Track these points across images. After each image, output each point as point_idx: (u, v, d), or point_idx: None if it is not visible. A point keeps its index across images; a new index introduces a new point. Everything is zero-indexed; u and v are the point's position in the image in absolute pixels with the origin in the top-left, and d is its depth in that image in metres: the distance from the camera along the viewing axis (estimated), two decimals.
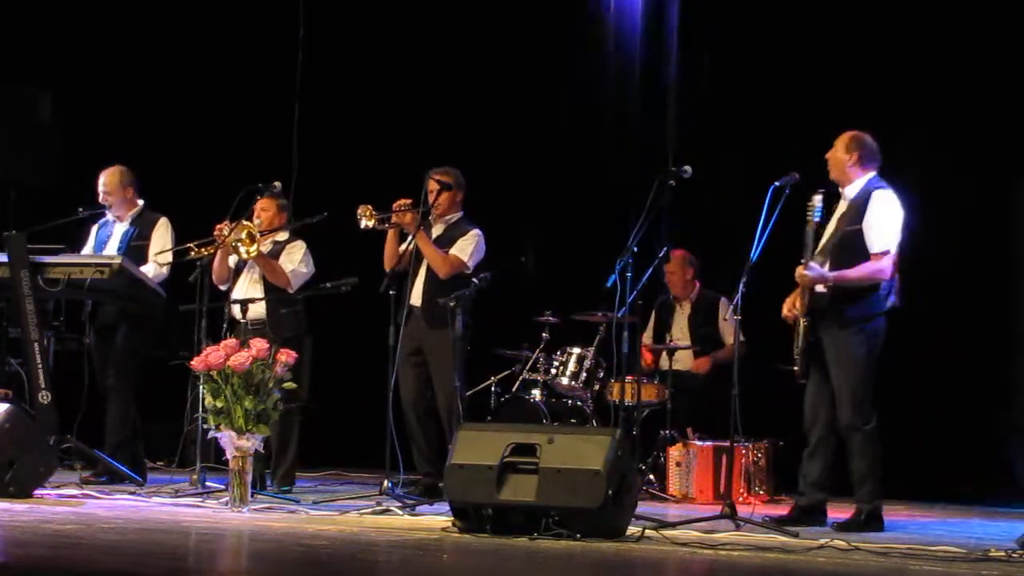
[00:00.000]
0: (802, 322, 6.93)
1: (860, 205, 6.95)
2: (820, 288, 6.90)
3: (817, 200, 6.90)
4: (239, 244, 8.00)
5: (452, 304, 7.89)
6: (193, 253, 8.13)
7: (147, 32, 11.06)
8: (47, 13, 10.86)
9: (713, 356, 9.40)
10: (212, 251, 8.12)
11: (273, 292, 8.18)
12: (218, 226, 8.07)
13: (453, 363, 7.91)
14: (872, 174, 7.03)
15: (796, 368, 7.00)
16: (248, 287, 8.24)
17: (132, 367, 8.33)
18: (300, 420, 8.20)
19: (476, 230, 8.19)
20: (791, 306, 7.02)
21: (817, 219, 6.91)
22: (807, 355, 6.95)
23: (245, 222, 8.07)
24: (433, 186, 8.02)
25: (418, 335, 8.05)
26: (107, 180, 8.50)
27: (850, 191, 7.02)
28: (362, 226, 8.02)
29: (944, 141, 9.08)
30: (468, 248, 8.13)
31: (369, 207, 8.00)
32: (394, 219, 8.04)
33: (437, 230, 8.20)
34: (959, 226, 8.99)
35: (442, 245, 8.13)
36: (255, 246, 8.04)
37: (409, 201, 8.00)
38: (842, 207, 7.04)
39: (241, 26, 11.22)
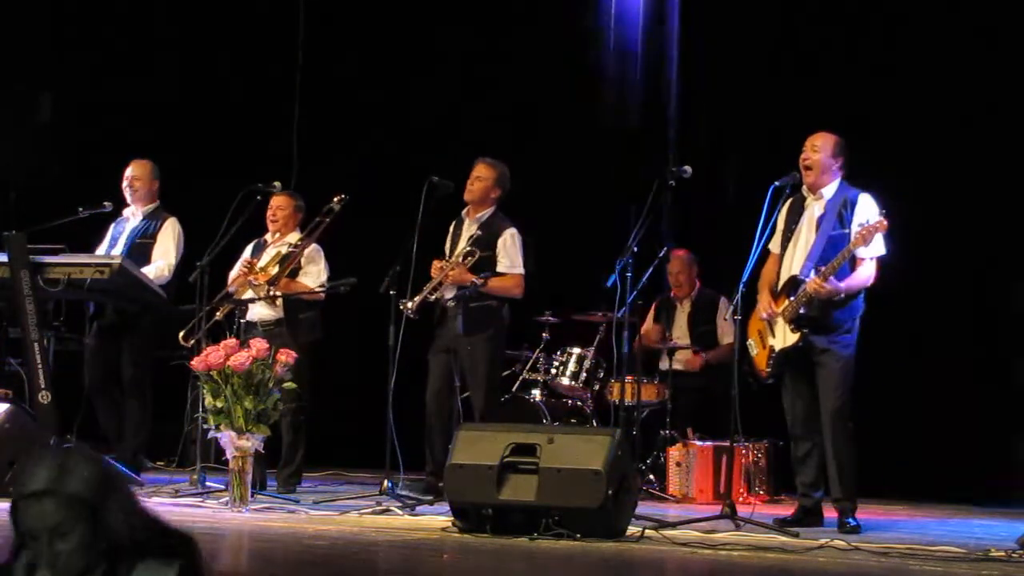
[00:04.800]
0: (788, 328, 6.87)
1: (842, 208, 6.87)
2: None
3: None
4: (267, 291, 8.06)
5: (452, 304, 7.89)
6: (219, 314, 8.10)
7: (147, 32, 11.05)
8: (47, 13, 10.85)
9: (706, 355, 9.38)
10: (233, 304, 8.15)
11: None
12: (243, 271, 8.14)
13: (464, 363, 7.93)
14: (840, 176, 7.01)
15: (766, 369, 6.97)
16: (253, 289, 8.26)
17: (145, 366, 8.37)
18: (305, 421, 8.21)
19: (510, 230, 8.07)
20: (769, 307, 6.95)
21: None
22: (782, 358, 6.91)
23: (259, 276, 8.11)
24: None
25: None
26: (137, 170, 8.54)
27: (826, 192, 6.95)
28: (411, 314, 7.86)
29: (942, 140, 9.07)
30: (517, 257, 8.05)
31: (409, 303, 7.81)
32: (438, 290, 7.93)
33: (471, 230, 8.11)
34: (957, 225, 8.99)
35: (480, 247, 8.00)
36: (277, 287, 8.09)
37: (440, 265, 7.92)
38: (815, 210, 6.95)
39: (241, 26, 11.21)
